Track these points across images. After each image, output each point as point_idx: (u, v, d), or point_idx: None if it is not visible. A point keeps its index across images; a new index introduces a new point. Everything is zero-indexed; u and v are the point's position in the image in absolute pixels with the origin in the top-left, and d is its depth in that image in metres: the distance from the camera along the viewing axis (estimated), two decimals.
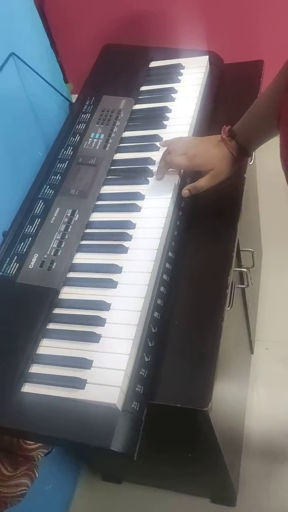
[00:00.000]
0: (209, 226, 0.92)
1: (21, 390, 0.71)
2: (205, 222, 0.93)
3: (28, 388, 0.71)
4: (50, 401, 0.69)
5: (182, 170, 0.94)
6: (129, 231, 0.87)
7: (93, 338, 0.74)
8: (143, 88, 1.16)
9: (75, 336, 0.75)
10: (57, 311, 0.79)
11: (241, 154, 0.86)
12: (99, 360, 0.72)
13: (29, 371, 0.73)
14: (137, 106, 1.11)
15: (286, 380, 1.44)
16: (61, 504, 1.32)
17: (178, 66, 1.18)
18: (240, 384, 1.28)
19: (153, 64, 1.22)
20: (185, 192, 0.89)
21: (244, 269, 1.07)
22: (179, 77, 1.16)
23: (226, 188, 0.90)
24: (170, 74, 1.17)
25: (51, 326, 0.77)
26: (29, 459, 0.90)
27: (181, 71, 1.17)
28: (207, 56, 1.19)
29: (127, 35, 1.39)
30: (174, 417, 0.76)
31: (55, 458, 1.14)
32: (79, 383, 0.69)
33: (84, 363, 0.71)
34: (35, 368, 0.73)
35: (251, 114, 0.85)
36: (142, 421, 0.69)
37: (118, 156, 1.01)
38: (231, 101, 1.17)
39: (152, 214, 0.89)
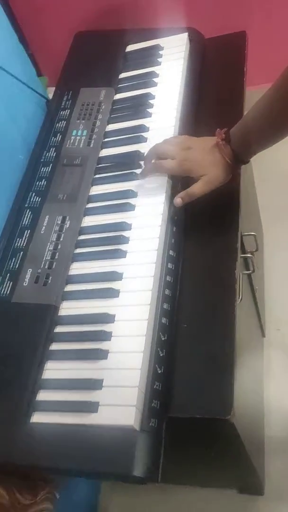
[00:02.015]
0: (208, 217, 0.86)
1: (30, 421, 0.66)
2: (204, 213, 0.87)
3: (37, 417, 0.66)
4: (63, 429, 0.65)
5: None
6: (125, 233, 0.81)
7: (100, 355, 0.69)
8: (122, 75, 1.09)
9: (81, 355, 0.70)
10: (58, 329, 0.74)
11: (236, 161, 0.80)
12: (109, 378, 0.67)
13: (37, 399, 0.68)
14: (118, 96, 1.05)
15: None
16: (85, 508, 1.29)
17: (157, 48, 1.11)
18: (256, 375, 1.24)
19: (130, 48, 1.15)
20: (178, 200, 0.82)
21: (249, 255, 1.02)
22: (159, 59, 1.09)
23: None
24: (149, 57, 1.10)
25: (54, 346, 0.73)
26: (49, 481, 0.86)
27: (160, 52, 1.10)
28: (187, 33, 1.12)
29: (99, 19, 1.31)
30: (196, 429, 0.71)
31: None
32: (91, 407, 0.65)
33: (94, 384, 0.66)
34: (42, 395, 0.68)
35: (250, 117, 0.78)
36: (163, 438, 0.65)
37: (104, 152, 0.95)
38: (217, 78, 1.10)
39: (147, 212, 0.83)
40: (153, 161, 0.85)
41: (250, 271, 1.05)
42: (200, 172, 0.80)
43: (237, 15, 1.32)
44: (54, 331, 0.74)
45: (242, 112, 0.97)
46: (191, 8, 1.26)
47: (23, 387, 0.68)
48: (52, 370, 0.70)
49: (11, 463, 0.64)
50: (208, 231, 0.85)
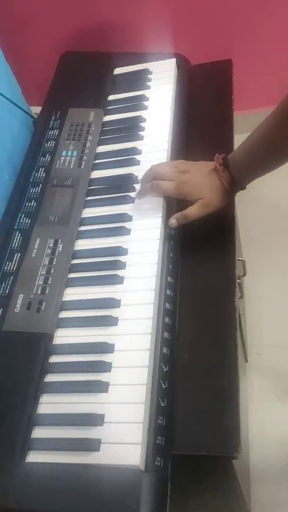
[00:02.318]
0: (204, 242, 0.84)
1: (26, 461, 0.61)
2: (199, 238, 0.85)
3: (33, 457, 0.61)
4: (62, 469, 0.60)
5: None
6: (122, 258, 0.78)
7: (100, 387, 0.65)
8: (111, 97, 1.07)
9: (79, 387, 0.66)
10: (53, 359, 0.70)
11: (234, 186, 0.80)
12: (111, 414, 0.63)
13: (32, 436, 0.63)
14: (108, 118, 1.03)
15: (282, 389, 1.40)
16: None
17: (146, 72, 1.10)
18: (244, 403, 1.22)
19: (117, 71, 1.14)
20: (173, 221, 0.81)
21: (238, 280, 1.01)
22: (148, 83, 1.08)
23: None
24: (138, 80, 1.09)
25: (49, 378, 0.68)
26: None
27: (149, 76, 1.10)
28: (175, 59, 1.12)
29: (85, 42, 1.30)
30: (199, 466, 0.68)
31: None
32: (92, 445, 0.60)
33: (94, 420, 0.62)
34: (38, 432, 0.63)
35: (248, 144, 0.78)
36: (168, 479, 0.61)
37: (96, 174, 0.93)
38: (205, 103, 1.10)
39: (144, 237, 0.81)
40: (150, 183, 0.83)
41: (239, 297, 1.04)
42: (197, 195, 0.80)
43: (221, 42, 1.33)
44: (49, 361, 0.69)
45: (233, 138, 0.98)
46: (176, 35, 1.27)
47: (16, 423, 0.63)
48: (48, 404, 0.65)
49: (5, 508, 0.58)
50: (204, 257, 0.83)
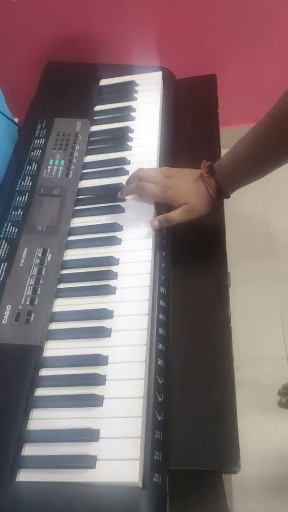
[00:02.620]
0: (195, 253, 0.84)
1: (16, 480, 0.57)
2: (190, 249, 0.85)
3: (24, 475, 0.58)
4: (55, 489, 0.57)
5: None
6: (114, 268, 0.76)
7: (94, 401, 0.62)
8: (98, 108, 1.07)
9: (71, 401, 0.63)
10: (44, 372, 0.67)
11: (219, 194, 0.79)
12: (107, 428, 0.60)
13: (23, 454, 0.59)
14: (94, 128, 1.02)
15: (262, 402, 1.39)
16: None
17: (132, 83, 1.10)
18: None
19: (103, 82, 1.13)
20: (155, 223, 0.80)
21: None
22: (135, 95, 1.08)
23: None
24: (125, 91, 1.08)
25: (40, 392, 0.65)
26: None
27: (136, 88, 1.10)
28: (161, 72, 1.12)
29: (69, 52, 1.29)
30: (196, 481, 0.65)
31: None
32: (88, 462, 0.57)
33: (89, 435, 0.59)
34: (29, 450, 0.60)
35: (233, 153, 0.78)
36: (167, 495, 0.58)
37: (84, 183, 0.91)
38: (192, 117, 1.11)
39: (135, 247, 0.79)
40: (135, 183, 0.83)
41: None
42: (182, 200, 0.79)
43: (205, 58, 1.35)
44: (39, 374, 0.66)
45: (220, 152, 0.98)
46: (160, 48, 1.27)
47: (5, 440, 0.59)
48: (39, 419, 0.62)
49: None
50: (195, 267, 0.82)
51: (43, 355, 0.68)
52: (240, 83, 1.40)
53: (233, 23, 1.30)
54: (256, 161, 0.76)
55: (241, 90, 1.41)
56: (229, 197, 0.81)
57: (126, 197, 0.85)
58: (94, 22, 1.29)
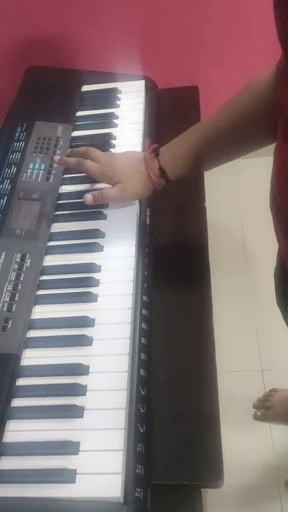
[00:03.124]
0: (178, 262, 0.83)
1: None
2: (173, 258, 0.83)
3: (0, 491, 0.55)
4: (32, 504, 0.53)
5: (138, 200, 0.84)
6: (95, 275, 0.74)
7: (74, 412, 0.60)
8: (80, 113, 1.05)
9: (50, 412, 0.60)
10: (21, 382, 0.64)
11: (159, 177, 0.78)
12: (87, 441, 0.58)
13: None
14: (76, 133, 1.00)
15: (240, 414, 1.38)
16: None
17: (115, 90, 1.09)
18: None
19: (85, 88, 1.12)
20: (88, 197, 0.80)
21: None
22: (118, 102, 1.07)
23: (187, 220, 0.84)
24: (107, 98, 1.08)
25: (17, 403, 0.62)
26: None
27: (119, 95, 1.09)
28: (144, 81, 1.12)
29: (49, 57, 1.28)
30: (177, 495, 0.63)
31: None
32: (67, 476, 0.55)
33: (69, 448, 0.57)
34: (5, 463, 0.57)
35: (181, 138, 0.78)
36: (148, 511, 0.56)
37: (65, 188, 0.89)
38: (174, 127, 1.10)
39: (118, 254, 0.77)
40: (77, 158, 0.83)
41: None
42: (117, 178, 0.79)
43: (188, 69, 1.36)
44: (16, 384, 0.63)
45: None
46: (143, 58, 1.27)
47: None
48: (15, 431, 0.59)
49: None
50: (178, 277, 0.81)
51: (21, 364, 0.65)
52: (221, 96, 1.41)
53: (215, 37, 1.32)
54: (201, 146, 0.75)
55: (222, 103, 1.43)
56: (170, 181, 0.79)
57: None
58: (77, 29, 1.28)
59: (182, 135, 0.78)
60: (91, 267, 0.75)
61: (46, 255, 0.78)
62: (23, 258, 0.75)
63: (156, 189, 0.79)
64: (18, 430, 0.59)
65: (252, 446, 1.33)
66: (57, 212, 0.85)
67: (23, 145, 0.95)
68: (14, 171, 0.90)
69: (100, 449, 0.57)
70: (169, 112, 1.14)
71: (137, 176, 0.78)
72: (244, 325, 1.56)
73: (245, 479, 1.28)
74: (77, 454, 0.57)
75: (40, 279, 0.75)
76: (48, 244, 0.80)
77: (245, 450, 1.31)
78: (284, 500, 1.24)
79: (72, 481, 0.55)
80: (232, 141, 0.73)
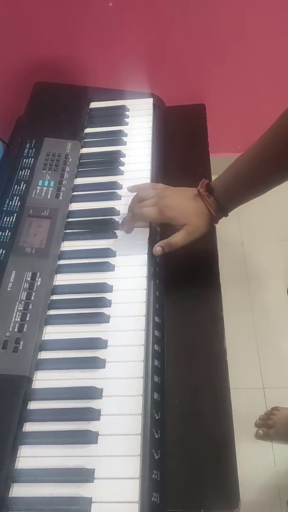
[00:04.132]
0: (188, 281, 0.82)
1: None
2: (183, 278, 0.83)
3: None
4: None
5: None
6: (107, 295, 0.73)
7: (88, 438, 0.59)
8: (88, 130, 1.05)
9: (64, 438, 0.59)
10: (33, 405, 0.63)
11: (218, 212, 0.78)
12: (102, 468, 0.56)
13: (10, 495, 0.55)
14: (85, 150, 1.00)
15: (238, 433, 1.36)
16: None
17: (123, 108, 1.10)
18: None
19: (93, 105, 1.12)
20: (158, 249, 0.78)
21: None
22: (126, 120, 1.07)
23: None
24: (116, 116, 1.08)
25: (29, 427, 0.61)
26: None
27: (127, 113, 1.09)
28: (152, 98, 1.12)
29: (56, 74, 1.28)
30: None
31: None
32: (82, 505, 0.53)
33: (84, 475, 0.56)
34: (17, 491, 0.55)
35: (232, 171, 0.77)
36: None
37: (75, 206, 0.88)
38: (182, 144, 1.11)
39: (129, 274, 0.77)
40: (130, 213, 0.81)
41: None
42: (182, 221, 0.77)
43: (194, 87, 1.37)
44: (28, 408, 0.62)
45: (210, 177, 0.98)
46: (150, 76, 1.28)
47: None
48: (28, 457, 0.58)
49: None
50: (189, 296, 0.80)
51: (32, 387, 0.64)
52: (227, 114, 1.42)
53: (222, 55, 1.33)
54: (254, 178, 0.75)
55: (229, 121, 1.44)
56: (227, 215, 0.79)
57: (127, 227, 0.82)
58: (85, 48, 1.29)
59: (230, 168, 0.77)
60: (103, 287, 0.74)
61: (56, 274, 0.77)
62: (33, 277, 0.75)
63: (214, 224, 0.79)
64: (31, 456, 0.58)
65: (254, 465, 1.32)
66: (67, 230, 0.84)
67: (32, 161, 0.94)
68: (23, 188, 0.89)
69: (115, 477, 0.56)
70: (177, 130, 1.14)
71: (201, 215, 0.77)
72: (245, 342, 1.55)
73: (247, 498, 1.26)
74: (92, 481, 0.55)
75: (51, 298, 0.74)
76: (58, 263, 0.79)
77: (247, 469, 1.29)
78: None
79: (88, 510, 0.53)
80: (279, 167, 0.72)
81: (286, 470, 1.33)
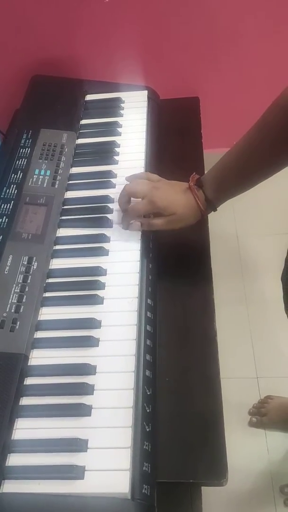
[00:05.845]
0: (181, 266, 0.85)
1: (0, 491, 0.55)
2: (176, 262, 0.85)
3: (8, 487, 0.56)
4: (41, 500, 0.55)
5: None
6: (101, 278, 0.76)
7: (82, 411, 0.61)
8: (84, 121, 1.07)
9: (58, 411, 0.62)
10: (29, 381, 0.65)
11: (207, 207, 0.80)
12: (95, 439, 0.59)
13: (7, 464, 0.57)
14: (80, 141, 1.02)
15: (231, 421, 1.39)
16: None
17: (118, 100, 1.12)
18: None
19: (89, 97, 1.15)
20: (137, 223, 0.82)
21: None
22: (121, 111, 1.10)
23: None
24: (111, 108, 1.10)
25: (25, 401, 0.63)
26: None
27: (122, 105, 1.11)
28: (147, 91, 1.15)
29: (53, 67, 1.30)
30: (181, 494, 0.65)
31: None
32: (76, 472, 0.56)
33: (78, 445, 0.58)
34: (14, 460, 0.58)
35: (221, 165, 0.79)
36: (155, 508, 0.58)
37: (70, 194, 0.91)
38: (176, 136, 1.13)
39: (123, 258, 0.79)
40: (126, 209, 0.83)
41: None
42: (170, 211, 0.79)
43: (188, 81, 1.39)
44: (25, 383, 0.65)
45: (203, 169, 1.00)
46: (144, 69, 1.30)
47: None
48: (24, 429, 0.61)
49: None
50: (181, 280, 0.83)
51: (29, 364, 0.67)
52: (221, 108, 1.45)
53: (216, 49, 1.35)
54: (242, 172, 0.77)
55: (222, 114, 1.46)
56: (215, 210, 0.82)
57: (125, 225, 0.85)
58: (81, 42, 1.31)
59: (219, 162, 0.79)
60: (97, 271, 0.77)
61: (52, 258, 0.80)
62: (30, 261, 0.77)
63: (202, 217, 0.81)
64: (27, 428, 0.61)
65: (248, 452, 1.34)
66: (63, 217, 0.86)
67: (28, 151, 0.97)
68: (20, 177, 0.91)
69: (108, 447, 0.58)
70: (171, 122, 1.17)
71: (189, 207, 0.79)
72: (239, 333, 1.57)
73: (240, 485, 1.29)
74: (86, 451, 0.58)
75: (47, 281, 0.76)
76: (54, 248, 0.81)
77: (240, 456, 1.32)
78: (278, 505, 1.25)
79: (81, 477, 0.56)
80: (269, 158, 0.73)
81: (279, 457, 1.35)
